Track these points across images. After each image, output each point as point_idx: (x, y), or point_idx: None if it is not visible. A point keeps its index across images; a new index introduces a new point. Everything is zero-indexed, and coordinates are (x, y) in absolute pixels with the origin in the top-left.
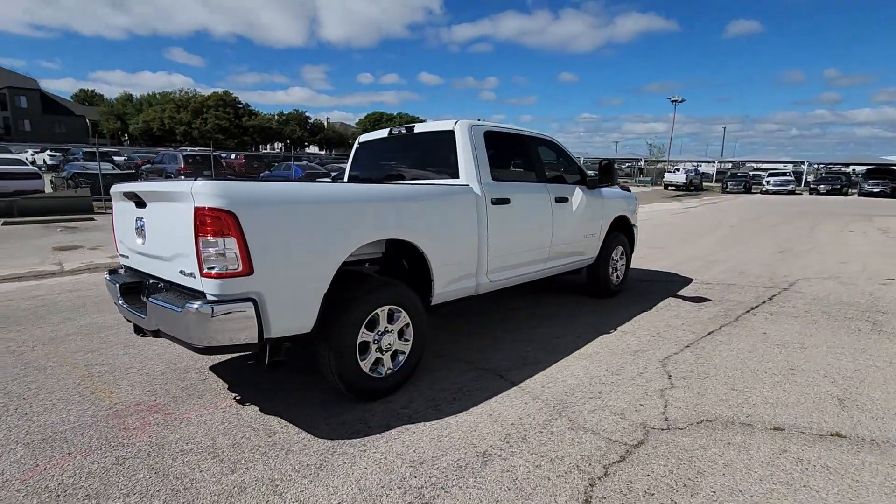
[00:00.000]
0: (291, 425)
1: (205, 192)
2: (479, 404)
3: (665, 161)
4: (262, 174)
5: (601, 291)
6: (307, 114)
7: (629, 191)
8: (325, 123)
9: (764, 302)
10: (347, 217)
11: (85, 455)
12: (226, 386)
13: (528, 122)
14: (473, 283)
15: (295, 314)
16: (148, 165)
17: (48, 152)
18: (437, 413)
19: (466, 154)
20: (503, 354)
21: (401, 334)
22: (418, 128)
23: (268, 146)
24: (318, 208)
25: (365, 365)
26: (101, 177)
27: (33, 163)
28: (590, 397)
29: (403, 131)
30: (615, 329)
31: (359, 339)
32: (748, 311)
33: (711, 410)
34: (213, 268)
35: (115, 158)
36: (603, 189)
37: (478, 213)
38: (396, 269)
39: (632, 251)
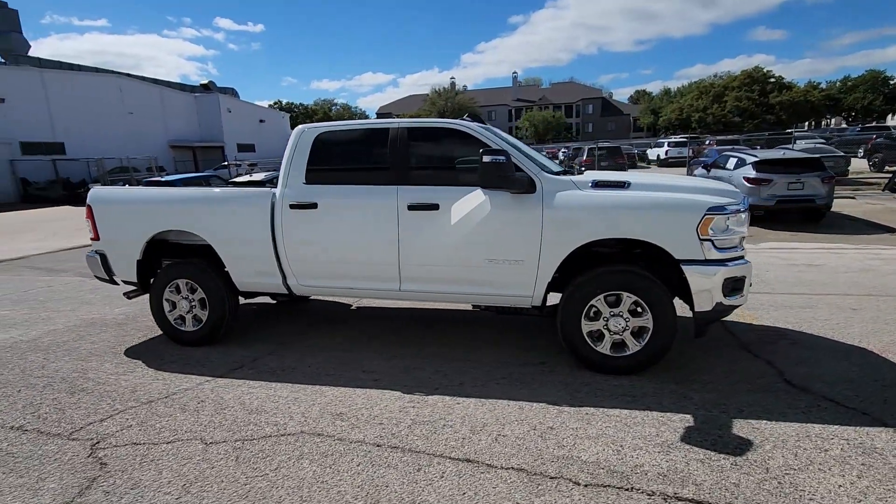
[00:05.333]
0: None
1: (89, 194)
2: None
3: None
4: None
5: (580, 358)
6: (887, 73)
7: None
8: None
9: None
10: (139, 212)
11: None
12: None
13: None
14: (278, 280)
15: (124, 268)
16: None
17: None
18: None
19: (285, 159)
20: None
21: (202, 304)
22: None
23: (797, 124)
24: (128, 206)
25: (170, 316)
26: None
27: None
28: None
29: None
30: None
31: (164, 297)
32: None
33: None
34: (91, 237)
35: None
36: (569, 192)
37: (272, 217)
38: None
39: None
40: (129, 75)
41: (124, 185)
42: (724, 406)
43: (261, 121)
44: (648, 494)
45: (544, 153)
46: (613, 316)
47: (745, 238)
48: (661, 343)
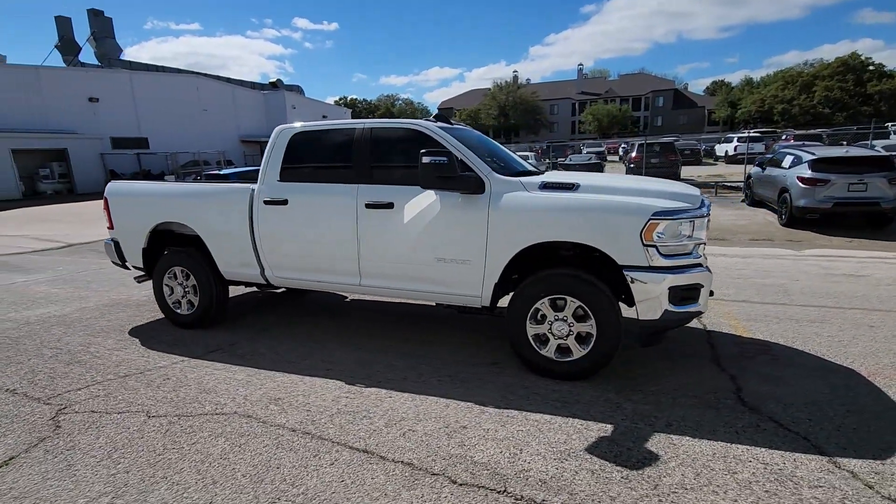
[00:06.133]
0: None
1: (107, 188)
2: None
3: None
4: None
5: (525, 361)
6: None
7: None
8: None
9: None
10: (144, 204)
11: None
12: None
13: None
14: (256, 271)
15: (133, 255)
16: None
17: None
18: None
19: (264, 157)
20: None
21: (194, 290)
22: None
23: None
24: (135, 199)
25: (169, 300)
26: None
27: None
28: None
29: None
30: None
31: (164, 282)
32: None
33: None
34: (108, 226)
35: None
36: (514, 194)
37: (250, 211)
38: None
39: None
40: (205, 75)
41: (196, 178)
42: (653, 419)
43: (323, 116)
44: (516, 499)
45: (603, 147)
46: (557, 320)
47: (704, 244)
48: (604, 350)
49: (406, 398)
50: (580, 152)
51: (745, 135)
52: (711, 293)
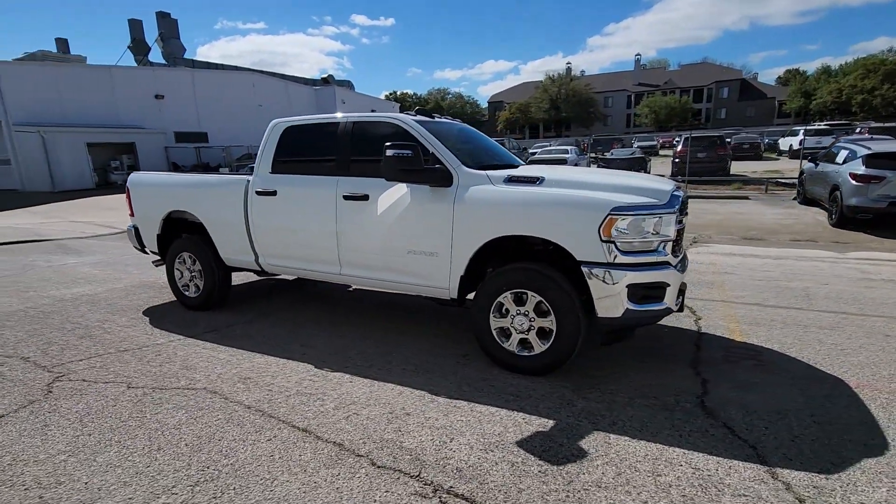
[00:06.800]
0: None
1: (129, 179)
2: None
3: None
4: None
5: (488, 354)
6: None
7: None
8: None
9: None
10: (158, 194)
11: None
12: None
13: None
14: (251, 258)
15: (150, 240)
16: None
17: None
18: None
19: (260, 149)
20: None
21: (200, 274)
22: None
23: None
24: (151, 188)
25: (179, 283)
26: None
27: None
28: None
29: None
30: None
31: (175, 266)
32: None
33: None
34: (129, 213)
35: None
36: (479, 187)
37: (243, 201)
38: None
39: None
40: (260, 72)
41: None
42: (600, 417)
43: (372, 110)
44: (425, 483)
45: (656, 141)
46: (519, 314)
47: (669, 241)
48: (564, 346)
49: (365, 384)
50: (630, 146)
51: (812, 128)
52: (682, 292)
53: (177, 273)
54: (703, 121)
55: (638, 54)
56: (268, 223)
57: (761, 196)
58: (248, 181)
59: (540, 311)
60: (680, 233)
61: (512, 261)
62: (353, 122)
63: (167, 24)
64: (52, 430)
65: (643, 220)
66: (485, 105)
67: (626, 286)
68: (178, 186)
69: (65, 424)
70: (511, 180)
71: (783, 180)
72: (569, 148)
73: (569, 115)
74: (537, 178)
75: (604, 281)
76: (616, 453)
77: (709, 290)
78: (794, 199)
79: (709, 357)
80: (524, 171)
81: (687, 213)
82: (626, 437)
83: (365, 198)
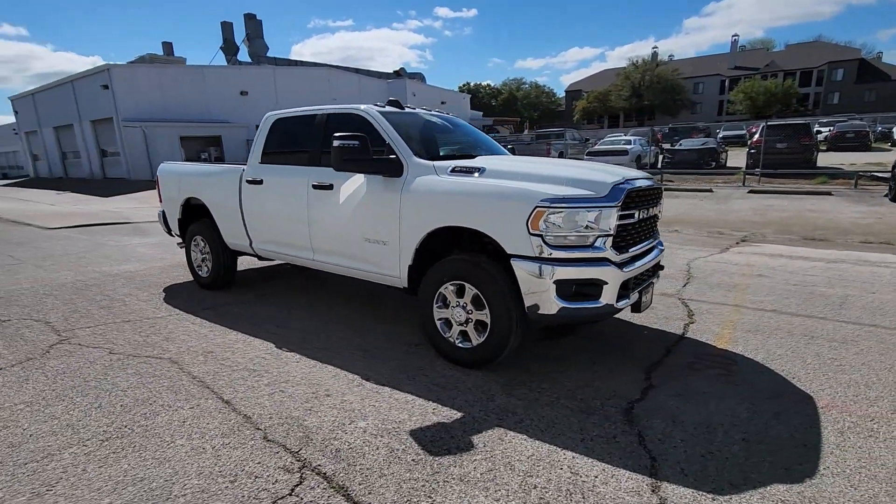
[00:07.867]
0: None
1: (158, 168)
2: None
3: None
4: None
5: (432, 344)
6: None
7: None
8: None
9: None
10: (178, 182)
11: None
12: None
13: None
14: (246, 243)
15: (173, 224)
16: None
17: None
18: None
19: (254, 140)
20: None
21: (209, 255)
22: None
23: None
24: (173, 177)
25: (194, 264)
26: None
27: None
28: None
29: None
30: None
31: (192, 248)
32: None
33: None
34: (158, 199)
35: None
36: (424, 177)
37: (237, 190)
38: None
39: (525, 310)
40: (336, 67)
41: None
42: (510, 415)
43: (442, 102)
44: (297, 459)
45: (745, 131)
46: (458, 306)
47: (608, 236)
48: (497, 340)
49: (309, 364)
50: (712, 136)
51: None
52: (628, 289)
53: (193, 254)
54: (809, 107)
55: (735, 35)
56: (256, 210)
57: (848, 191)
58: (243, 170)
59: (478, 304)
60: (635, 227)
61: (466, 252)
62: (326, 114)
63: (253, 26)
64: (28, 383)
65: (576, 214)
66: (562, 95)
67: (554, 282)
68: (191, 175)
69: (41, 380)
70: (454, 171)
71: (880, 174)
72: (632, 139)
73: (652, 103)
74: (477, 169)
75: (531, 275)
76: (502, 451)
77: (726, 292)
78: (886, 195)
79: (673, 363)
80: (468, 161)
81: (656, 207)
82: (524, 436)
83: (330, 187)
